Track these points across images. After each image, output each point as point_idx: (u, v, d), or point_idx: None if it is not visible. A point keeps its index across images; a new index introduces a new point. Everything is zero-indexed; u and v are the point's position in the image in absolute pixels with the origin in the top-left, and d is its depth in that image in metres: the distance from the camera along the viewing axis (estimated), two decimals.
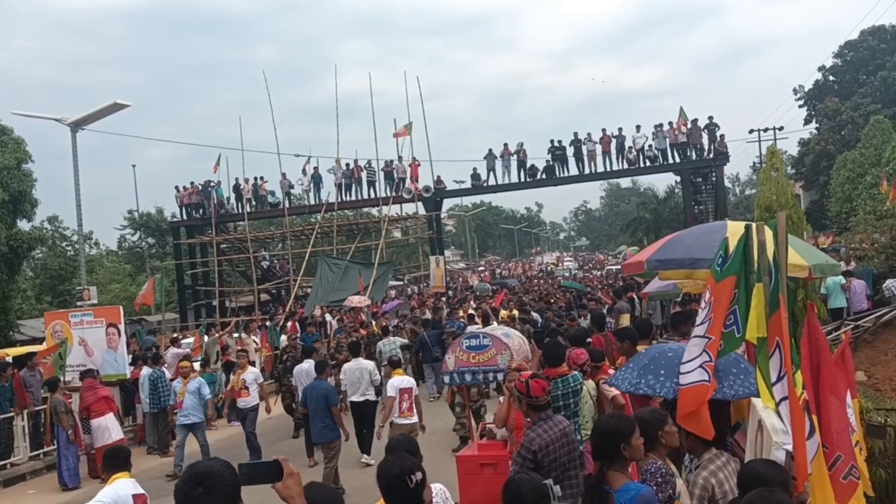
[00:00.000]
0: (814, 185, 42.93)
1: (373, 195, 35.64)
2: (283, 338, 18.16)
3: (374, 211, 39.42)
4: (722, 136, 33.06)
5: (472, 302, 23.28)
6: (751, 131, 42.87)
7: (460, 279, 43.67)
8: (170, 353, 16.29)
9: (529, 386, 5.04)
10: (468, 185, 37.28)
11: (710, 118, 33.19)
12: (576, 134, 34.18)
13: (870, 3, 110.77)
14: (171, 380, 13.65)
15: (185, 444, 11.87)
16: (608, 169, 34.69)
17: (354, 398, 11.43)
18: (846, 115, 41.86)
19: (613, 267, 47.70)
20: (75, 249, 37.90)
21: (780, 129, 42.92)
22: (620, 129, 33.65)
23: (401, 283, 41.79)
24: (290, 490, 2.51)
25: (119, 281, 46.91)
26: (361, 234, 39.31)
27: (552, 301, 22.02)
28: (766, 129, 43.68)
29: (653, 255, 8.23)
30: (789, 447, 3.57)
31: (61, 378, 13.11)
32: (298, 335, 18.22)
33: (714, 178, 34.30)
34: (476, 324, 15.40)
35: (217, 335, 19.14)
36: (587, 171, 34.47)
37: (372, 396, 11.51)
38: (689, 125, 32.79)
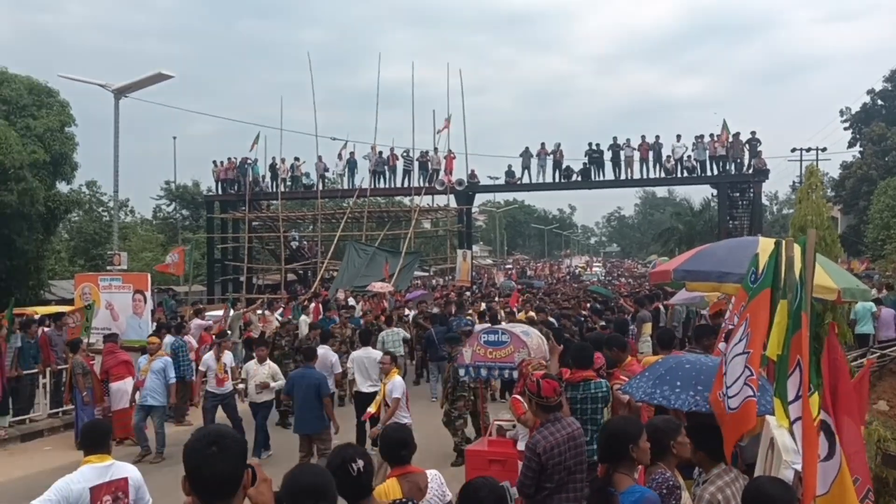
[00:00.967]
0: (853, 210, 42.22)
1: (406, 184, 35.67)
2: (304, 318, 18.16)
3: (406, 200, 39.46)
4: (760, 152, 32.58)
5: (481, 301, 22.76)
6: (793, 150, 42.06)
7: (486, 275, 43.56)
8: (194, 323, 16.47)
9: (540, 385, 4.94)
10: (502, 181, 37.25)
11: (753, 133, 32.71)
12: (615, 139, 34.00)
13: None
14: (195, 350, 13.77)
15: (153, 427, 11.23)
16: (645, 176, 34.41)
17: (363, 388, 11.08)
18: (891, 140, 41.05)
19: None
20: (111, 215, 38.40)
21: (824, 149, 42.09)
22: (658, 138, 33.33)
23: (426, 274, 41.82)
24: (264, 496, 2.50)
25: (151, 250, 47.54)
26: (391, 222, 39.40)
27: (567, 305, 21.59)
28: (808, 149, 42.90)
29: (681, 265, 8.16)
30: (798, 467, 3.51)
31: (84, 339, 13.31)
32: (321, 316, 18.25)
33: (752, 194, 33.80)
34: (485, 322, 14.92)
35: (242, 310, 19.32)
36: (623, 176, 34.21)
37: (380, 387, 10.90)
38: (731, 139, 32.36)
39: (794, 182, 49.29)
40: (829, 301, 7.15)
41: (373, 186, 35.99)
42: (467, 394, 10.64)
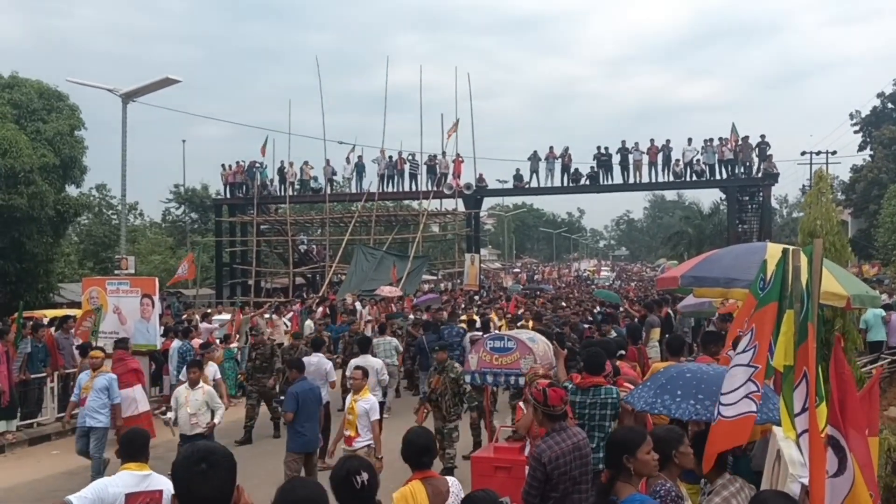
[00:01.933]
0: (863, 214, 41.89)
1: (414, 188, 35.73)
2: (309, 322, 18.11)
3: (415, 204, 39.50)
4: (770, 155, 32.46)
5: (472, 309, 22.12)
6: (803, 153, 41.94)
7: (493, 279, 43.49)
8: (202, 327, 16.49)
9: (547, 395, 4.90)
10: (510, 185, 37.25)
11: (762, 136, 32.64)
12: (623, 142, 34.03)
13: None
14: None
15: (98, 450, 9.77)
16: (653, 180, 34.34)
17: None
18: None
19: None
20: (120, 218, 38.59)
21: (833, 153, 41.89)
22: (668, 141, 33.29)
23: (435, 277, 41.80)
24: None
25: (160, 253, 47.70)
26: (399, 225, 39.42)
27: (572, 311, 21.21)
28: (818, 153, 42.69)
29: (688, 271, 8.09)
30: (805, 480, 3.47)
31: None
32: (328, 318, 18.25)
33: (761, 198, 33.70)
34: (475, 331, 14.38)
35: (250, 315, 19.35)
36: (632, 180, 34.17)
37: (379, 397, 10.35)
38: (740, 142, 32.26)
39: (803, 186, 49.07)
40: (838, 308, 7.09)
41: (381, 190, 36.03)
42: (478, 402, 10.59)
